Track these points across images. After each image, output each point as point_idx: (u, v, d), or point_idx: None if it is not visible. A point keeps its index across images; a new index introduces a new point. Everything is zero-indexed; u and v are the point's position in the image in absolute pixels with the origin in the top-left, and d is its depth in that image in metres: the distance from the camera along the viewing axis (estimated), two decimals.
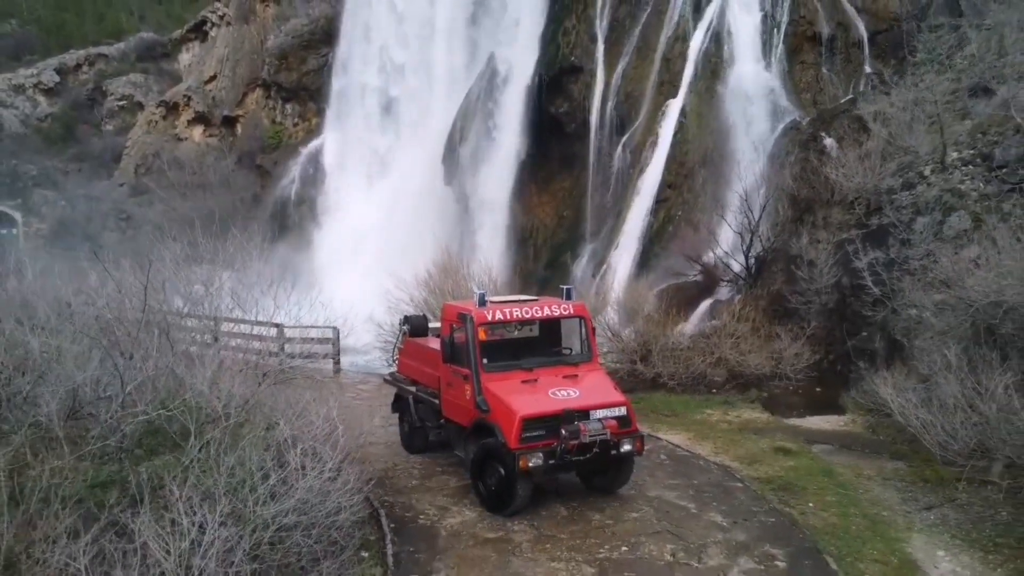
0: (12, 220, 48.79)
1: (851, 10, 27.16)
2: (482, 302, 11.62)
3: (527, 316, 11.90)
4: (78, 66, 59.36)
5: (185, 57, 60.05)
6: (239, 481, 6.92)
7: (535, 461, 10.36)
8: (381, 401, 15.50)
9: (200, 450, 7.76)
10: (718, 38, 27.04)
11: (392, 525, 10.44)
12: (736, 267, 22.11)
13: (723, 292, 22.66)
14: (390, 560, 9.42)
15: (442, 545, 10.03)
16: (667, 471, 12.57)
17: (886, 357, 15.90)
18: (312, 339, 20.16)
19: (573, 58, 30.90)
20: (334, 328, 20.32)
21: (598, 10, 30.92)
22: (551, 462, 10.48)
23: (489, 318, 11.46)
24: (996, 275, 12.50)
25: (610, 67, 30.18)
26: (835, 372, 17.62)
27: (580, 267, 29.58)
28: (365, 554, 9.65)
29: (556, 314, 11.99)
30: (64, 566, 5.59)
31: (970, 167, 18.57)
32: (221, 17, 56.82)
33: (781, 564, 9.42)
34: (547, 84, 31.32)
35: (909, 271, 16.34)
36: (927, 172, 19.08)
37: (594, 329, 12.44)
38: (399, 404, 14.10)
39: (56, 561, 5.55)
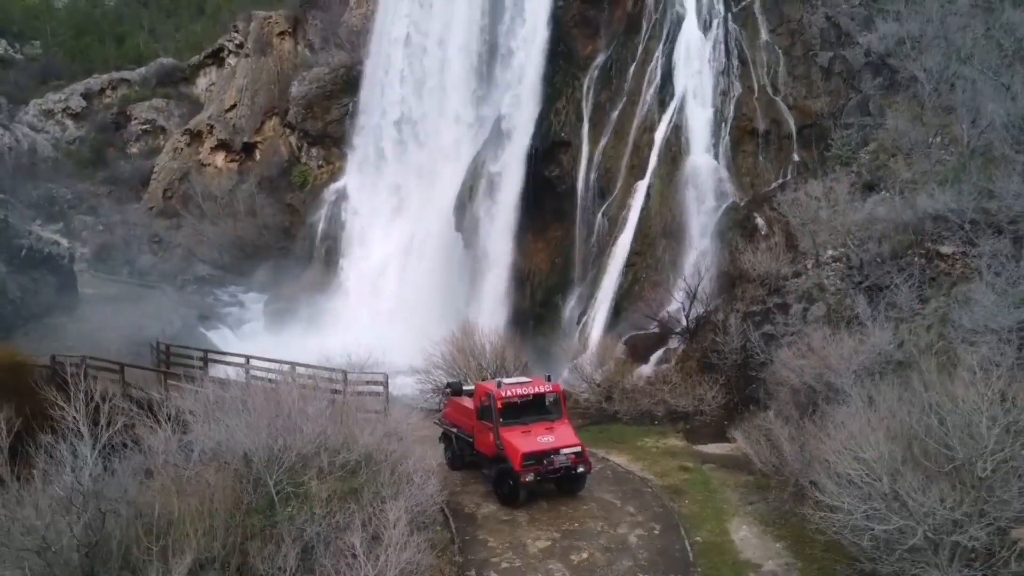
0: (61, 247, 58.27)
1: (783, 108, 37.34)
2: (499, 385, 21.97)
3: (525, 392, 22.21)
4: (102, 90, 69.09)
5: (202, 82, 69.87)
6: (398, 489, 17.25)
7: (529, 478, 20.72)
8: (426, 433, 25.75)
9: (367, 475, 18.18)
10: (677, 130, 37.25)
11: (450, 511, 20.86)
12: (682, 325, 32.48)
13: (674, 342, 33.08)
14: (454, 530, 19.84)
15: (479, 523, 20.48)
16: (609, 481, 22.99)
17: (764, 404, 26.27)
18: (368, 382, 30.40)
19: (563, 134, 41.11)
20: (384, 374, 30.52)
21: (584, 94, 41.06)
22: (538, 478, 20.87)
23: (504, 395, 21.77)
24: (808, 361, 22.88)
25: (593, 143, 40.41)
26: (737, 412, 27.96)
27: (569, 308, 40.02)
28: (438, 527, 20.08)
29: (542, 391, 22.40)
30: (346, 524, 15.93)
31: (837, 264, 28.83)
32: (239, 46, 66.54)
33: (656, 532, 19.84)
34: (542, 153, 41.50)
35: (783, 344, 26.67)
36: (809, 265, 29.40)
37: (565, 397, 22.82)
38: (445, 438, 24.55)
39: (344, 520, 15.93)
